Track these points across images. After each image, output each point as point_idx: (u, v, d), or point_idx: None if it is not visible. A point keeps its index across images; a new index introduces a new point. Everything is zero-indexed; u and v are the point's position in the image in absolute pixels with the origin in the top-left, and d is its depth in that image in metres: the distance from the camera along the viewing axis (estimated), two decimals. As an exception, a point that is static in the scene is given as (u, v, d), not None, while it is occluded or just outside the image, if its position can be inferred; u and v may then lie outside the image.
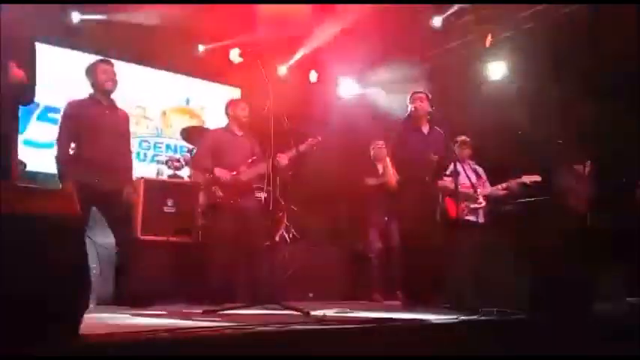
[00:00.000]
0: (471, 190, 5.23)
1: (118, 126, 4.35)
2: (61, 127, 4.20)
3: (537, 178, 5.54)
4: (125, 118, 4.44)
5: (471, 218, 5.52)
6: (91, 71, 4.27)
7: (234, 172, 4.68)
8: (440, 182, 5.05)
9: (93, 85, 4.27)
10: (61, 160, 4.09)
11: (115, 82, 4.27)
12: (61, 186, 3.98)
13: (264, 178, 5.39)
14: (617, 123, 5.75)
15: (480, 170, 5.82)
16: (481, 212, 5.60)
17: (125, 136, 4.44)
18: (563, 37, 6.22)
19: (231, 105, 4.94)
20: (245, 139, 4.89)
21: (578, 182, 5.91)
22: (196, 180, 5.52)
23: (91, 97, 4.28)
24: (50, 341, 1.66)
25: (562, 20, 6.46)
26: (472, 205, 5.50)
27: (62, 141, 4.15)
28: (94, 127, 4.17)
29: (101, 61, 4.32)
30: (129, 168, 4.48)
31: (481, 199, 5.52)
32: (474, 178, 5.56)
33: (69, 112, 4.23)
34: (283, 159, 4.63)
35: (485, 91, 7.25)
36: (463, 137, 5.77)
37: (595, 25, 5.83)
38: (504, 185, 5.60)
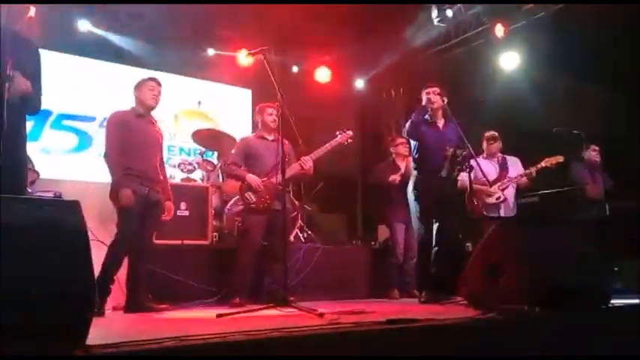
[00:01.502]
0: (486, 186, 5.14)
1: (158, 140, 4.49)
2: (110, 136, 4.26)
3: (560, 158, 5.39)
4: (161, 134, 4.59)
5: (493, 214, 5.42)
6: (139, 86, 4.39)
7: (265, 178, 4.74)
8: (459, 178, 5.00)
9: (138, 100, 4.37)
10: (115, 168, 4.14)
11: (158, 101, 4.41)
12: (120, 194, 4.04)
13: (297, 180, 5.49)
14: (629, 110, 5.65)
15: (512, 161, 5.67)
16: (503, 206, 5.49)
17: (162, 151, 4.58)
18: (575, 25, 6.10)
19: (259, 111, 5.02)
20: (276, 143, 4.87)
21: (593, 172, 5.79)
22: (230, 185, 5.56)
23: (133, 110, 4.38)
24: (52, 350, 1.65)
25: (575, 7, 6.35)
26: (488, 200, 5.41)
27: (114, 149, 4.19)
28: (139, 139, 4.28)
29: (150, 78, 4.44)
30: (167, 182, 4.61)
31: (500, 194, 5.42)
32: (495, 172, 5.47)
33: (116, 122, 4.30)
34: (307, 162, 4.75)
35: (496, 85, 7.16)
36: (491, 132, 5.68)
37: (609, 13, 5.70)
38: (522, 173, 5.47)
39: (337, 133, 5.02)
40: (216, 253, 5.22)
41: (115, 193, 4.08)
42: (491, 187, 5.27)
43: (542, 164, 5.37)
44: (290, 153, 4.84)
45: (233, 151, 5.17)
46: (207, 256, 5.16)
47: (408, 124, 4.94)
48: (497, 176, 5.50)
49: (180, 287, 4.77)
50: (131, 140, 4.23)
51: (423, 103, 4.86)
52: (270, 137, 4.92)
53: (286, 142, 4.85)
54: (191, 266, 4.97)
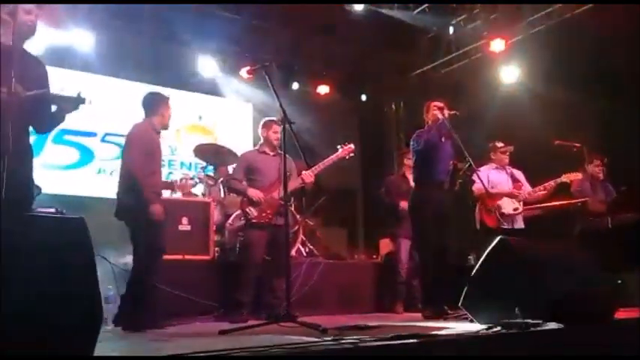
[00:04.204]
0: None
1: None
2: (134, 152, 4.19)
3: (579, 175, 5.40)
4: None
5: (506, 226, 5.35)
6: (162, 104, 4.38)
7: (267, 192, 4.72)
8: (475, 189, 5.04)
9: (155, 114, 4.32)
10: (145, 185, 4.05)
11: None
12: (151, 209, 3.98)
13: (297, 195, 5.48)
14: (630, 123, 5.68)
15: (518, 174, 5.60)
16: (518, 218, 5.43)
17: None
18: (574, 38, 6.16)
19: (263, 127, 5.02)
20: (278, 157, 4.89)
21: (594, 185, 5.79)
22: (231, 200, 5.57)
23: (149, 122, 4.33)
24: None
25: (574, 21, 6.41)
26: (504, 211, 5.36)
27: (141, 165, 4.12)
28: (154, 151, 4.26)
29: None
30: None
31: (517, 205, 5.38)
32: (508, 183, 5.46)
33: (141, 136, 4.25)
34: (308, 176, 4.72)
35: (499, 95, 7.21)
36: (500, 143, 5.60)
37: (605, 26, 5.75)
38: (542, 187, 5.42)
39: (339, 147, 5.03)
40: (218, 268, 5.21)
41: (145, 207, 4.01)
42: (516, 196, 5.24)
43: (562, 179, 5.35)
44: (292, 168, 4.86)
45: (235, 166, 5.17)
46: (208, 271, 5.14)
47: (424, 140, 4.83)
48: (512, 187, 5.46)
49: (182, 303, 4.74)
50: (149, 153, 4.20)
51: (435, 118, 4.76)
52: (272, 152, 4.94)
53: (288, 157, 4.87)
54: (193, 281, 4.95)
